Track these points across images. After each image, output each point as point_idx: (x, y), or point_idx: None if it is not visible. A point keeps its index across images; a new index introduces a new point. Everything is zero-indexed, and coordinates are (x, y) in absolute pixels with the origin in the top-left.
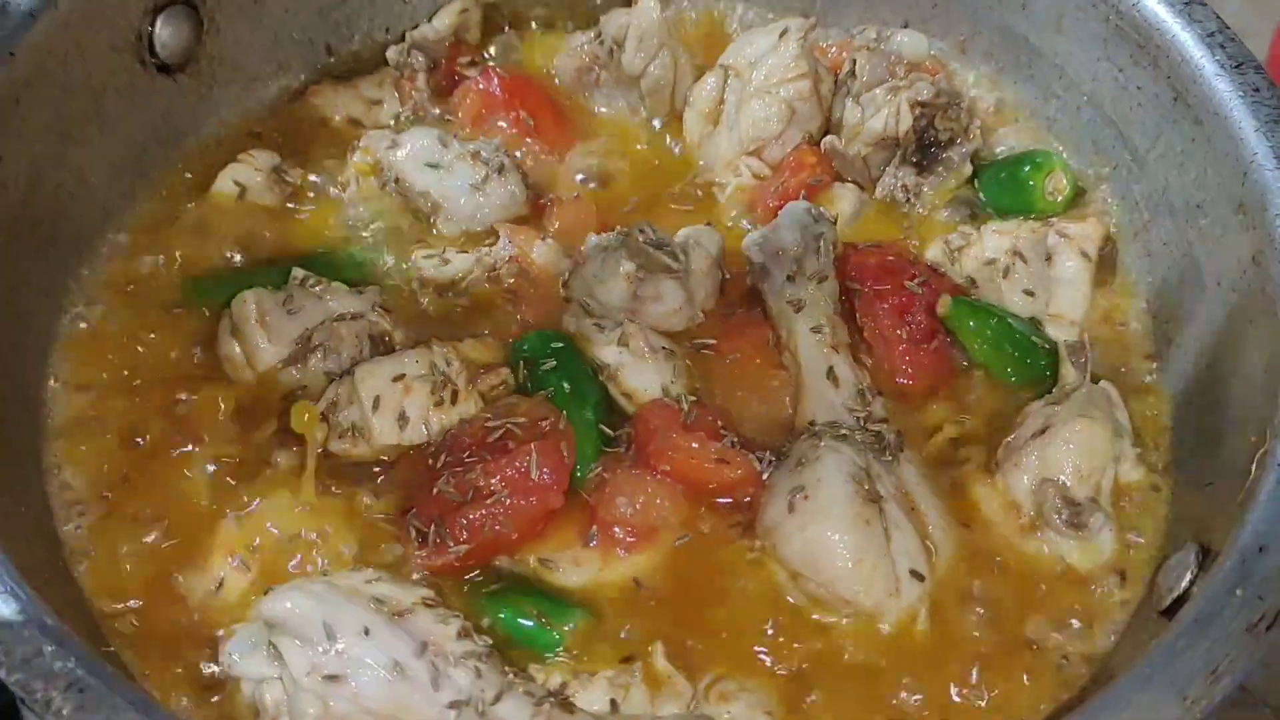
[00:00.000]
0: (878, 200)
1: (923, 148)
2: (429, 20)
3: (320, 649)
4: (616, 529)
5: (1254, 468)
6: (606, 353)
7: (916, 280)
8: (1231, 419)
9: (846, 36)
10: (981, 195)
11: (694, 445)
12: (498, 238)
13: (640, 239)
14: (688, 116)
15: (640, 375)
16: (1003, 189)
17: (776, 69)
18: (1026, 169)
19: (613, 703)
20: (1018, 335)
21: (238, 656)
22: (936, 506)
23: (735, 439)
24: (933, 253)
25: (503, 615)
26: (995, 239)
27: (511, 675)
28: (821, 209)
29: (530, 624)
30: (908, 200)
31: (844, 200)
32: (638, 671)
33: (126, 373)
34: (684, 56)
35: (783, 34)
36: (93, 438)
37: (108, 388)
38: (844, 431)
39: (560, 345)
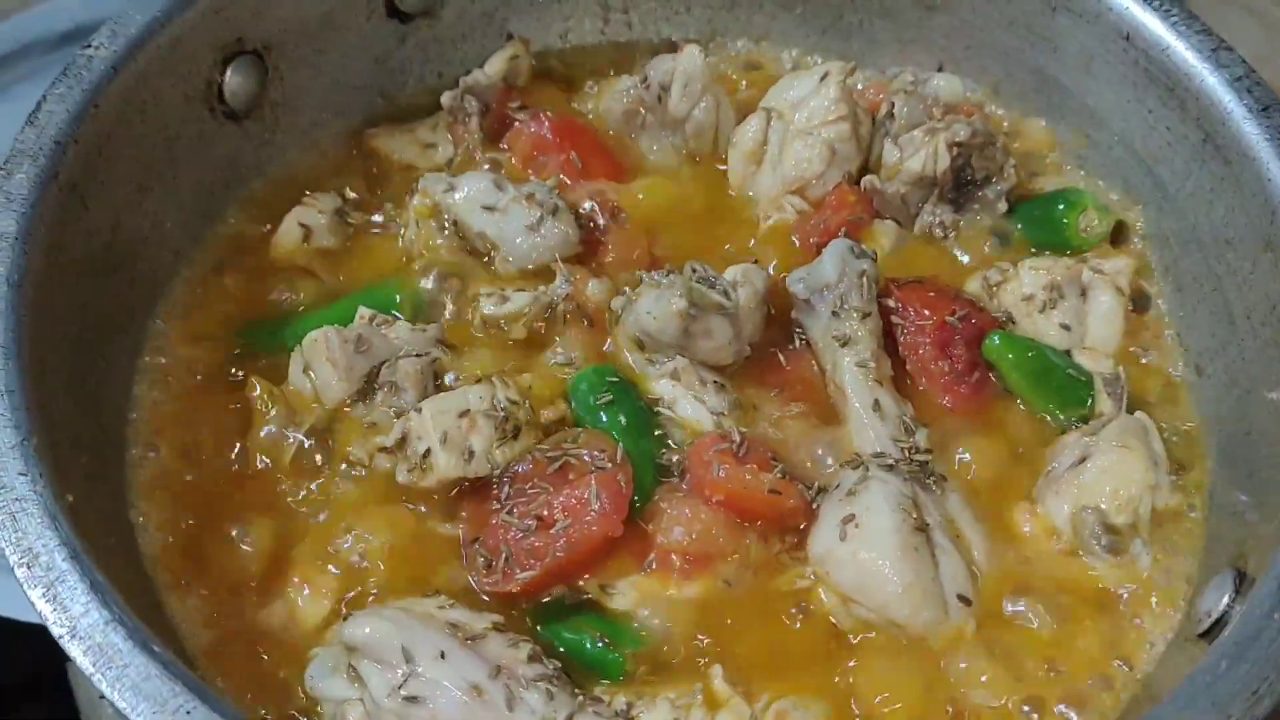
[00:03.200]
0: (916, 236)
1: (959, 186)
2: (480, 67)
3: (400, 672)
4: (674, 556)
5: None
6: (660, 386)
7: (957, 314)
8: (1263, 449)
9: (882, 79)
10: (1017, 232)
11: (748, 477)
12: (554, 276)
13: (692, 277)
14: (732, 157)
15: (693, 408)
16: (1037, 226)
17: (818, 111)
18: (1060, 207)
19: None
20: (1055, 368)
21: (318, 679)
22: (980, 533)
23: (784, 470)
24: (971, 287)
25: (566, 638)
26: (1032, 275)
27: (582, 697)
28: (863, 245)
29: (594, 647)
30: (945, 237)
31: (884, 236)
32: (698, 693)
33: (198, 410)
34: (726, 100)
35: (823, 78)
36: (172, 471)
37: (182, 423)
38: (890, 462)
39: (615, 380)
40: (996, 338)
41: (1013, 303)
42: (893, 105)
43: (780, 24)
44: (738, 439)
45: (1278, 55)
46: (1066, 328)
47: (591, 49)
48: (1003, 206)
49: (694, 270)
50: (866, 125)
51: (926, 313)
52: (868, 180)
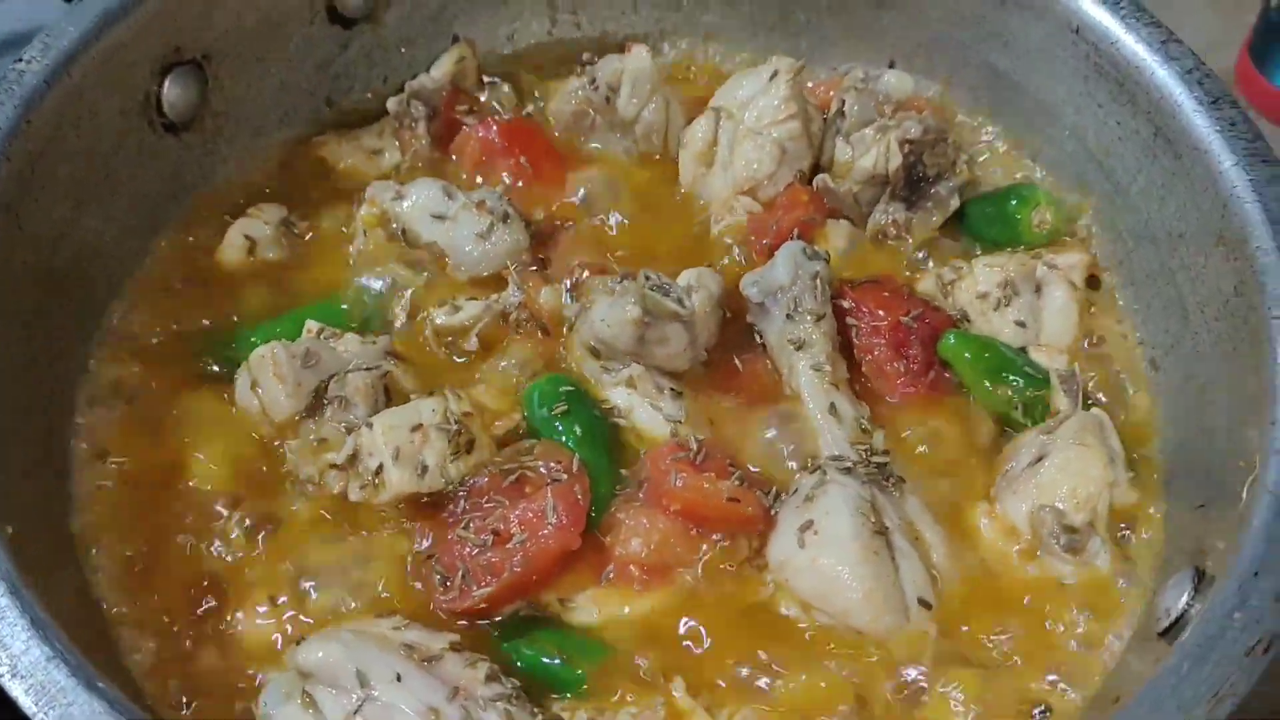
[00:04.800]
0: (869, 236)
1: (912, 184)
2: (427, 70)
3: (355, 696)
4: (632, 568)
5: (1244, 493)
6: (615, 395)
7: (912, 314)
8: (1220, 444)
9: (832, 76)
10: (969, 229)
11: (706, 485)
12: (505, 284)
13: (646, 284)
14: (682, 157)
15: (649, 416)
16: (990, 222)
17: (767, 110)
18: (1013, 203)
19: None
20: (1012, 366)
21: (272, 706)
22: (939, 535)
23: (742, 476)
24: (925, 286)
25: (526, 654)
26: (987, 272)
27: (541, 716)
28: (816, 247)
29: (553, 662)
30: (898, 235)
31: (837, 237)
32: (660, 707)
33: (146, 430)
34: (676, 100)
35: (773, 76)
36: (119, 495)
37: (130, 441)
38: (848, 465)
39: (570, 389)
40: (952, 337)
41: (968, 300)
42: (843, 103)
43: (728, 22)
44: (695, 446)
45: (1232, 41)
46: (1022, 324)
47: (539, 50)
48: (955, 203)
49: (647, 277)
50: (817, 123)
51: (881, 313)
52: (820, 179)
